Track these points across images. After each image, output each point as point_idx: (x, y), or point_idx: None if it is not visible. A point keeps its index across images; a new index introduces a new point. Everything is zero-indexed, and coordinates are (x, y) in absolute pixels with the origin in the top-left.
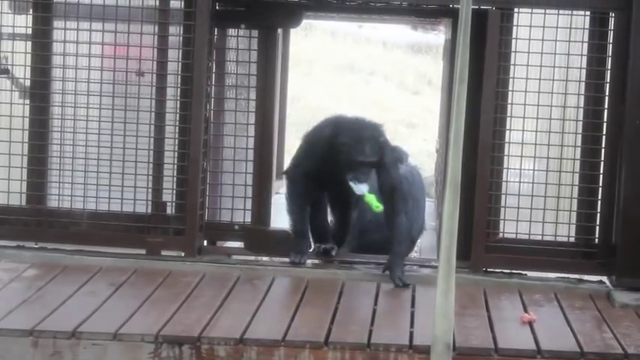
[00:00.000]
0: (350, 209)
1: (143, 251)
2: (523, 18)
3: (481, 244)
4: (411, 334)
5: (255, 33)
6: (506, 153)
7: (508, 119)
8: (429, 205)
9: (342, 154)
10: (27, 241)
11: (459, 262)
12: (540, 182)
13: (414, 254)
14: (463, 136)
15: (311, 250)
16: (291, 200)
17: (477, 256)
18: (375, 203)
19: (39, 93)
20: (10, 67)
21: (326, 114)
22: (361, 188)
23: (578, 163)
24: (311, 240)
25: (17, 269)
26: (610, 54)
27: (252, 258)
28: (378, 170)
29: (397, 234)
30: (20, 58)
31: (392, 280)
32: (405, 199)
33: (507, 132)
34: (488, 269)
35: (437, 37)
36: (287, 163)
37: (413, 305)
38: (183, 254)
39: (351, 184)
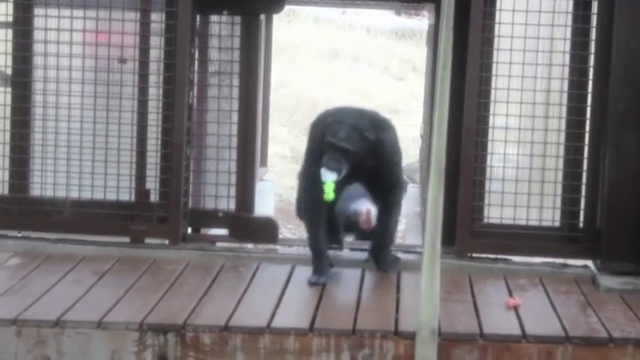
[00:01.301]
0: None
1: (127, 239)
2: (506, 2)
3: (466, 229)
4: (397, 320)
5: (237, 19)
6: (490, 138)
7: (492, 104)
8: (414, 191)
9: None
10: (10, 229)
11: (444, 248)
12: (524, 167)
13: (398, 240)
14: (447, 122)
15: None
16: (306, 216)
17: (462, 242)
18: (328, 191)
19: (20, 81)
20: None
21: (309, 100)
22: (326, 175)
23: (562, 147)
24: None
25: (0, 258)
26: (593, 38)
27: (237, 245)
28: (377, 167)
29: (388, 227)
30: (1, 46)
31: (377, 267)
32: (402, 197)
33: (491, 117)
34: (473, 254)
35: (420, 22)
36: (271, 150)
37: (398, 291)
38: (167, 242)
39: (322, 169)
